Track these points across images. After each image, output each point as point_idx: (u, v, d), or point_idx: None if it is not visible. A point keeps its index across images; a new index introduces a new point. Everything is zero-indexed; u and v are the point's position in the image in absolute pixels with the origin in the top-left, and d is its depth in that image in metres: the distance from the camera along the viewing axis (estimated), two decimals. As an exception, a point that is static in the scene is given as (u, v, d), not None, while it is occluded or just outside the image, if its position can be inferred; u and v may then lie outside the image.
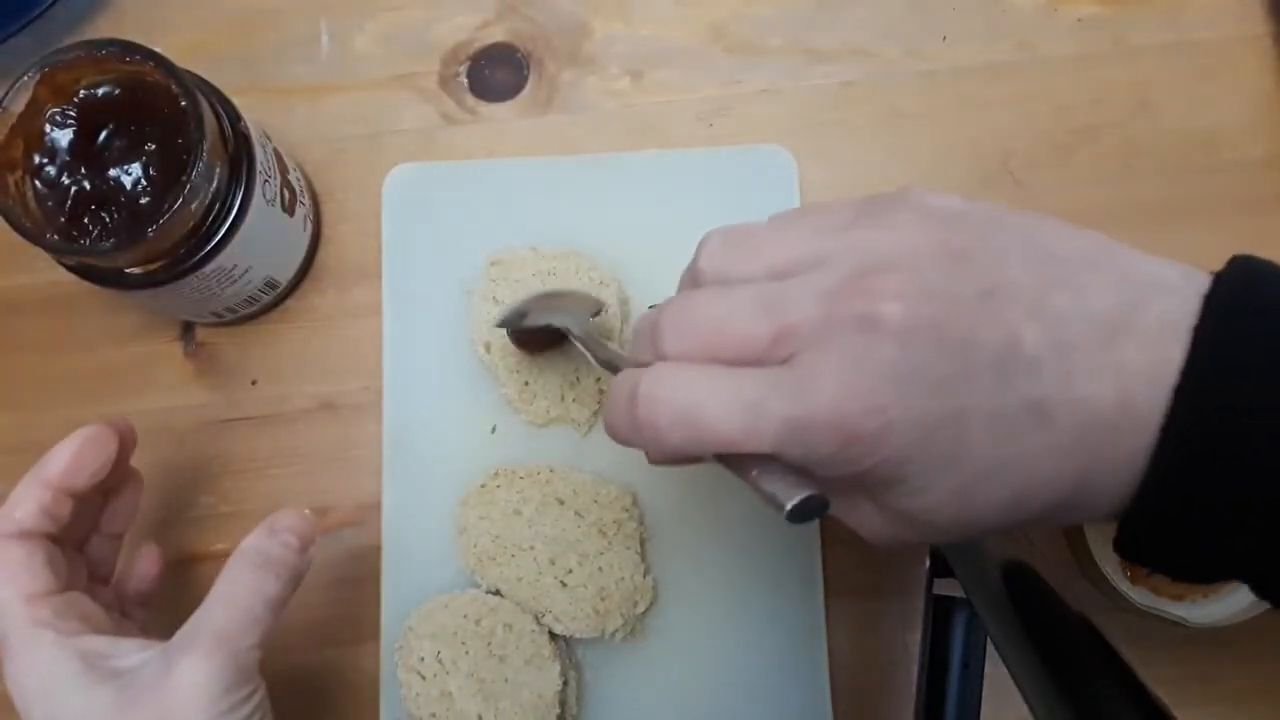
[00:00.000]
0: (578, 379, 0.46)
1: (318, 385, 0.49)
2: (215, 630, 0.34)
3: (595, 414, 0.47)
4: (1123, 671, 0.25)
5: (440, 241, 0.49)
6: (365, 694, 0.46)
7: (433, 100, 0.52)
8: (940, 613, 0.34)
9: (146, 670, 0.33)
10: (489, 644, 0.44)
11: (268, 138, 0.46)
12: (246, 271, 0.44)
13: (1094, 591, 0.46)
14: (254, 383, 0.50)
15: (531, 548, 0.45)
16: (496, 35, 0.52)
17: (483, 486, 0.46)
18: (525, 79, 0.52)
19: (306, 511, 0.39)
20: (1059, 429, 0.24)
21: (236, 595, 0.35)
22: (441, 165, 0.51)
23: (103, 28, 0.53)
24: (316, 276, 0.50)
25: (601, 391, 0.46)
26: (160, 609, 0.44)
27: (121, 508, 0.41)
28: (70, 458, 0.36)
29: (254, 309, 0.48)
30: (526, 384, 0.46)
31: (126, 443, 0.39)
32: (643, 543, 0.46)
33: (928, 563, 0.35)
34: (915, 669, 0.35)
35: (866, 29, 0.51)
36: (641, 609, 0.45)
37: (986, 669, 0.33)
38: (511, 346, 0.46)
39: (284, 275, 0.48)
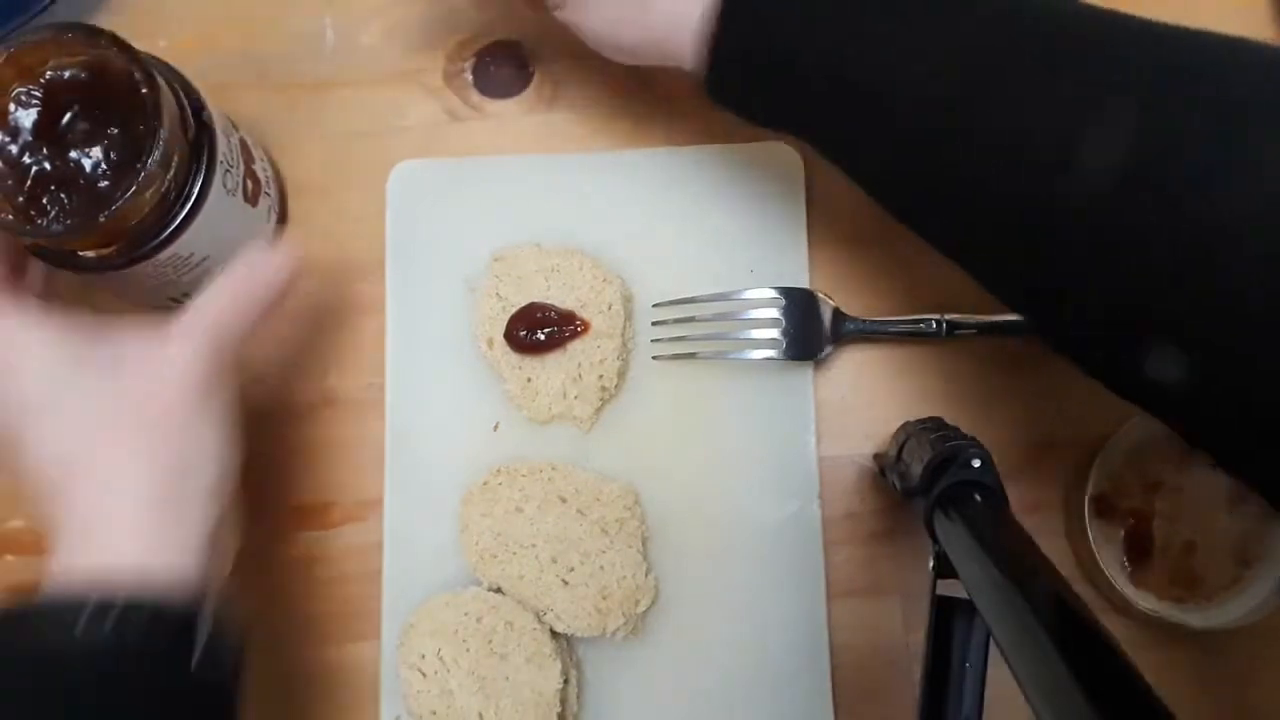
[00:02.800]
0: (580, 376, 0.46)
1: (320, 381, 0.49)
2: (208, 321, 0.37)
3: (598, 411, 0.47)
4: (1126, 674, 0.25)
5: (444, 238, 0.49)
6: (366, 691, 0.46)
7: (437, 97, 0.52)
8: (943, 614, 0.34)
9: (141, 345, 0.37)
10: (490, 642, 0.44)
11: (234, 128, 0.46)
12: (204, 260, 0.44)
13: (1097, 595, 0.46)
14: (257, 379, 0.49)
15: (533, 545, 0.45)
16: (501, 32, 0.52)
17: (485, 484, 0.46)
18: (530, 76, 0.52)
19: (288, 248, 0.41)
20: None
21: (230, 293, 0.38)
22: (446, 162, 0.50)
23: (105, 22, 0.53)
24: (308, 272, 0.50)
25: (604, 389, 0.46)
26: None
27: None
28: None
29: None
30: (529, 381, 0.46)
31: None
32: (644, 541, 0.46)
33: (931, 563, 0.35)
34: (917, 670, 0.35)
35: (872, 29, 0.51)
36: (643, 607, 0.45)
37: (989, 670, 0.33)
38: (514, 344, 0.46)
39: None
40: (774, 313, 0.47)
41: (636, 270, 0.48)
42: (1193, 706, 0.45)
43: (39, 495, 0.35)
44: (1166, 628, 0.42)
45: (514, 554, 0.45)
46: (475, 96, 0.52)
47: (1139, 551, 0.45)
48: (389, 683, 0.45)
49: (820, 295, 0.47)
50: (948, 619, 0.34)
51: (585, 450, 0.47)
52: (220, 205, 0.43)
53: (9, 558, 0.48)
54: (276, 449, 0.49)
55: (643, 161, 0.50)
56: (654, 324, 0.48)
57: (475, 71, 0.52)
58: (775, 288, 0.47)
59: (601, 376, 0.46)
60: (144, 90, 0.39)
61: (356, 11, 0.53)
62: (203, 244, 0.43)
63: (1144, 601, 0.43)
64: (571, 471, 0.46)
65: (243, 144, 0.46)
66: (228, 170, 0.44)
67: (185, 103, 0.42)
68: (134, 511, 0.34)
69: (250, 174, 0.46)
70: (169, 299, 0.46)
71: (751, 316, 0.47)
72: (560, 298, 0.47)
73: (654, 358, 0.48)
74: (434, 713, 0.43)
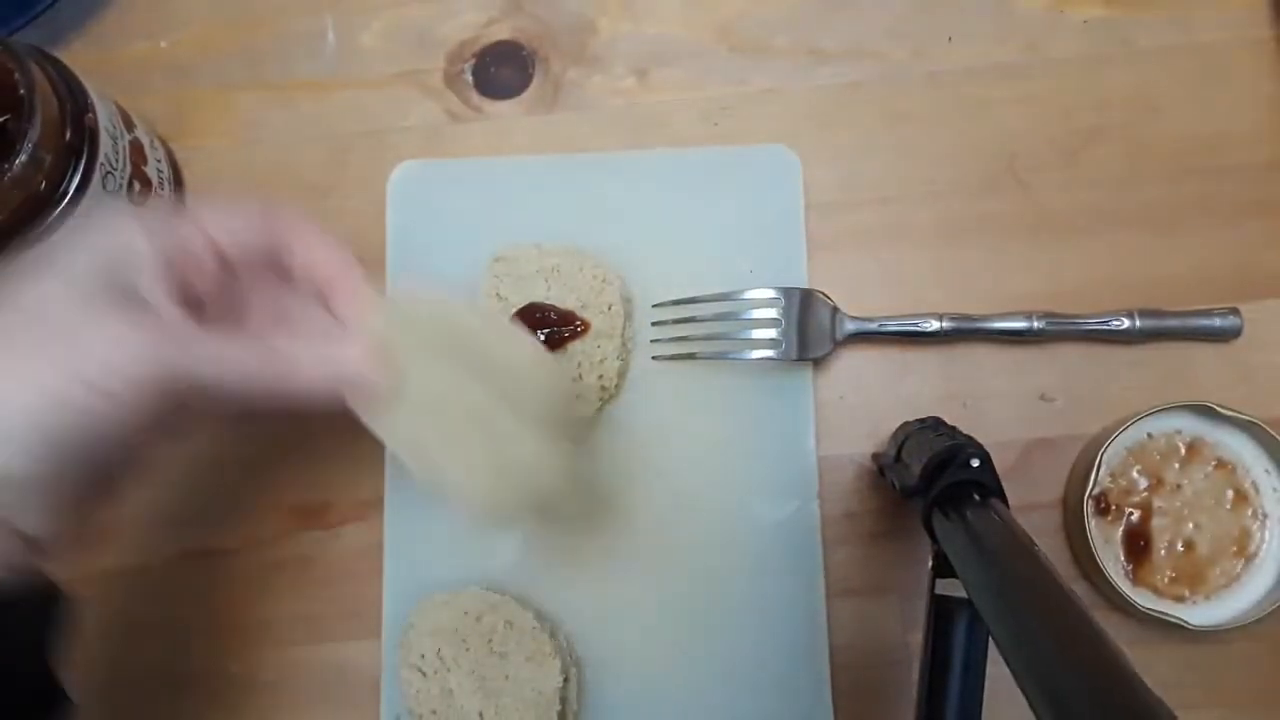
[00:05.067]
0: (580, 376, 0.46)
1: (321, 381, 0.49)
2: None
3: (598, 411, 0.47)
4: (1125, 673, 0.25)
5: (444, 238, 0.49)
6: (366, 690, 0.46)
7: (438, 97, 0.52)
8: (942, 613, 0.34)
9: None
10: (490, 641, 0.44)
11: (128, 129, 0.46)
12: None
13: (1096, 594, 0.46)
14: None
15: (434, 405, 0.36)
16: (502, 33, 0.52)
17: (388, 316, 0.37)
18: (530, 77, 0.52)
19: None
20: None
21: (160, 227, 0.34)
22: (446, 163, 0.51)
23: (108, 22, 0.53)
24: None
25: (604, 389, 0.46)
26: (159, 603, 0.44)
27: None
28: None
29: None
30: (529, 381, 0.46)
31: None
32: (550, 424, 0.37)
33: (930, 562, 0.35)
34: (916, 669, 0.35)
35: (872, 30, 0.51)
36: (545, 496, 0.37)
37: (988, 670, 0.33)
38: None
39: None
40: (774, 313, 0.47)
41: (636, 270, 0.48)
42: (1192, 706, 0.45)
43: None
44: (1165, 627, 0.42)
45: (410, 411, 0.36)
46: (475, 97, 0.52)
47: (1138, 550, 0.45)
48: (389, 682, 0.46)
49: (820, 295, 0.47)
50: (947, 618, 0.34)
51: (585, 450, 0.47)
52: (100, 206, 0.44)
53: None
54: (277, 449, 0.49)
55: (643, 161, 0.50)
56: (654, 324, 0.48)
57: (475, 72, 0.52)
58: (775, 288, 0.47)
59: (601, 376, 0.46)
60: (21, 92, 0.40)
61: (356, 11, 0.53)
62: None
63: (1143, 600, 0.43)
64: (479, 328, 0.37)
65: (135, 145, 0.46)
66: (109, 173, 0.44)
67: (68, 105, 0.42)
68: None
69: (140, 175, 0.46)
70: None
71: (751, 316, 0.47)
72: (560, 298, 0.47)
73: (654, 358, 0.48)
74: (434, 712, 0.43)
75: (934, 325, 0.47)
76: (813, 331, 0.47)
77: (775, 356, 0.46)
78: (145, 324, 0.32)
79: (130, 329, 0.31)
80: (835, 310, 0.47)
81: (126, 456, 0.33)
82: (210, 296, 0.35)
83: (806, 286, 0.48)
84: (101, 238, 0.33)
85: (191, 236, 0.35)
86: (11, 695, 0.33)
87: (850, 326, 0.47)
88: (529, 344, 0.38)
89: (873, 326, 0.47)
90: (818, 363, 0.48)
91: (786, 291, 0.47)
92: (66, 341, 0.31)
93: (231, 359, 0.33)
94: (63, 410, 0.30)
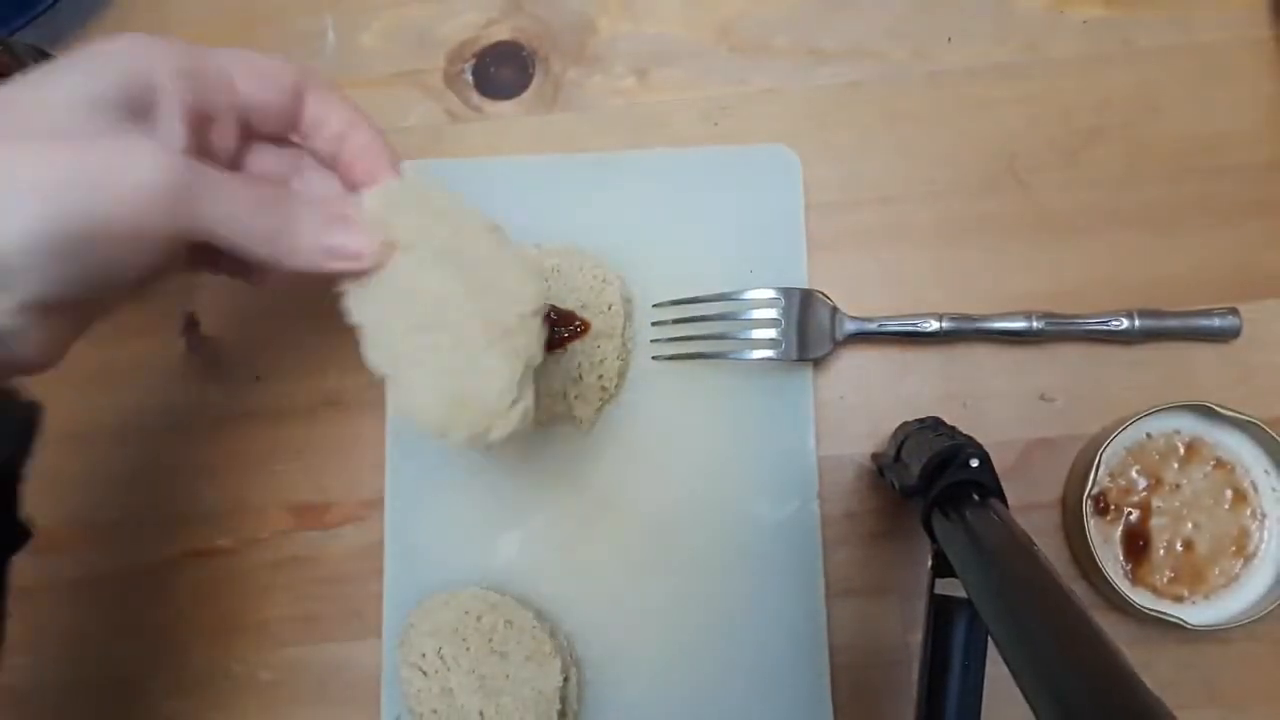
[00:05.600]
0: (580, 376, 0.46)
1: (321, 381, 0.49)
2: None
3: (598, 411, 0.47)
4: (1124, 673, 0.25)
5: (444, 238, 0.49)
6: (366, 690, 0.46)
7: (438, 97, 0.52)
8: (941, 613, 0.34)
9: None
10: (490, 640, 0.44)
11: None
12: None
13: (1095, 594, 0.46)
14: (257, 378, 0.50)
15: (407, 298, 0.35)
16: (502, 33, 0.52)
17: (392, 195, 0.36)
18: (530, 77, 0.52)
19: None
20: None
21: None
22: (446, 163, 0.51)
23: (108, 22, 0.53)
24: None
25: (604, 389, 0.46)
26: (159, 603, 0.45)
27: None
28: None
29: None
30: (529, 381, 0.46)
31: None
32: (533, 373, 0.36)
33: (929, 563, 0.35)
34: (916, 669, 0.35)
35: (872, 30, 0.51)
36: (496, 436, 0.35)
37: (987, 669, 0.33)
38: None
39: None
40: (774, 313, 0.47)
41: (636, 270, 0.48)
42: (1191, 706, 0.45)
43: None
44: (1164, 626, 0.42)
45: (385, 294, 0.35)
46: (475, 97, 0.52)
47: (1137, 550, 0.45)
48: (390, 682, 0.46)
49: (820, 295, 0.47)
50: (946, 618, 0.34)
51: (586, 449, 0.47)
52: None
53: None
54: (277, 449, 0.49)
55: (643, 161, 0.50)
56: (654, 324, 0.48)
57: (475, 72, 0.52)
58: (775, 288, 0.47)
59: (601, 376, 0.46)
60: None
61: (356, 11, 0.53)
62: None
63: (1142, 600, 0.43)
64: (485, 236, 0.36)
65: None
66: None
67: None
68: None
69: None
70: None
71: (751, 316, 0.47)
72: (560, 298, 0.47)
73: (654, 358, 0.48)
74: (434, 712, 0.43)
75: (934, 325, 0.47)
76: (813, 331, 0.47)
77: (775, 356, 0.47)
78: (160, 147, 0.30)
79: (148, 145, 0.30)
80: (835, 310, 0.47)
81: (111, 276, 0.30)
82: (220, 154, 0.35)
83: (806, 286, 0.48)
84: (119, 59, 0.31)
85: (219, 93, 0.34)
86: None
87: (850, 326, 0.47)
88: (522, 266, 0.36)
89: (873, 326, 0.47)
90: (818, 363, 0.48)
91: (786, 291, 0.47)
92: (83, 143, 0.29)
93: (242, 200, 0.32)
94: (68, 206, 0.28)
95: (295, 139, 0.37)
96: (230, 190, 0.32)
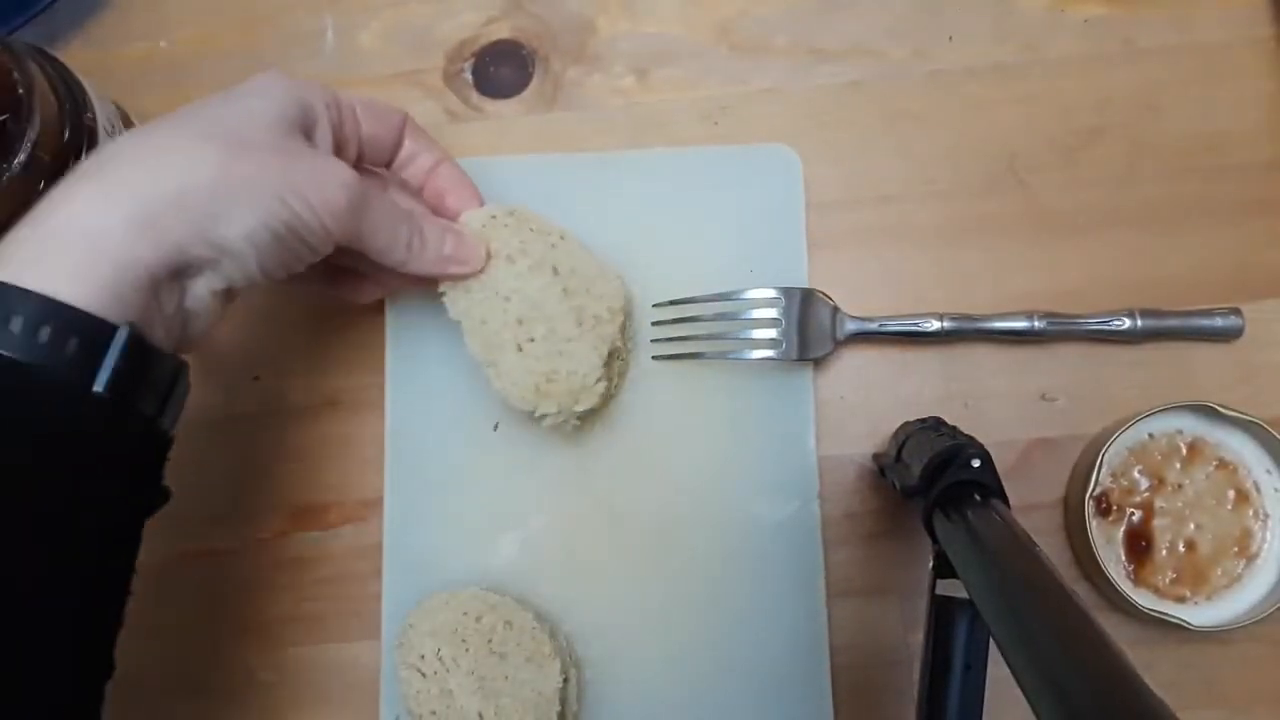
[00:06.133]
0: (581, 377, 0.47)
1: (321, 381, 0.49)
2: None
3: (597, 411, 0.47)
4: (1126, 673, 0.25)
5: (444, 238, 0.49)
6: (366, 690, 0.46)
7: (437, 97, 0.52)
8: (943, 613, 0.34)
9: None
10: (489, 641, 0.44)
11: (127, 128, 0.46)
12: None
13: (1097, 594, 0.46)
14: (256, 378, 0.50)
15: (507, 299, 0.43)
16: (502, 32, 0.52)
17: (493, 216, 0.44)
18: (530, 76, 0.52)
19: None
20: None
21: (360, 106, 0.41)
22: (446, 162, 0.51)
23: (107, 22, 0.53)
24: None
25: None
26: (159, 603, 0.44)
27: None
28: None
29: None
30: (529, 381, 0.46)
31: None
32: (612, 354, 0.44)
33: (930, 563, 0.35)
34: (917, 669, 0.35)
35: (872, 29, 0.51)
36: (581, 408, 0.43)
37: (989, 670, 0.33)
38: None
39: None
40: (774, 313, 0.47)
41: (636, 270, 0.48)
42: (1193, 706, 0.45)
43: None
44: (1167, 627, 0.42)
45: (487, 296, 0.43)
46: (475, 96, 0.52)
47: (1139, 551, 0.45)
48: (389, 683, 0.45)
49: (820, 295, 0.47)
50: (947, 618, 0.34)
51: (585, 449, 0.47)
52: None
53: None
54: (276, 449, 0.49)
55: (642, 161, 0.50)
56: (654, 324, 0.48)
57: (475, 71, 0.52)
58: (775, 288, 0.47)
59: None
60: (19, 91, 0.40)
61: (356, 11, 0.53)
62: None
63: (1144, 601, 0.43)
64: (576, 249, 0.45)
65: None
66: None
67: (67, 105, 0.42)
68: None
69: None
70: None
71: (751, 316, 0.47)
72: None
73: (654, 358, 0.48)
74: (434, 713, 0.43)
75: (934, 325, 0.47)
76: (813, 331, 0.47)
77: (775, 356, 0.46)
78: (347, 165, 0.37)
79: (340, 162, 0.37)
80: (836, 310, 0.47)
81: (290, 267, 0.36)
82: None
83: (807, 286, 0.48)
84: (292, 88, 0.37)
85: (352, 124, 0.40)
86: (142, 486, 0.34)
87: (851, 326, 0.47)
88: (608, 271, 0.45)
89: (873, 326, 0.47)
90: (818, 363, 0.48)
91: (787, 291, 0.47)
92: (289, 156, 0.35)
93: (391, 213, 0.39)
94: (282, 207, 0.34)
95: (381, 170, 0.44)
96: (384, 204, 0.39)
